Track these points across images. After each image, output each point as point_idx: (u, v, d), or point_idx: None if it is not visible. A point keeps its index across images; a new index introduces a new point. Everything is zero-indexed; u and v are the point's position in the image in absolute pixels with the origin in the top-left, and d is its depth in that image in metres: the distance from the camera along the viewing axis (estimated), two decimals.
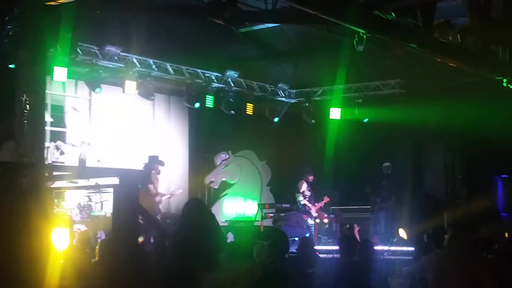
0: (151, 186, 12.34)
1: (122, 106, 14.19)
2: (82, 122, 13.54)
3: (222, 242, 6.92)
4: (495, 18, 9.97)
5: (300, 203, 14.42)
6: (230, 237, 13.34)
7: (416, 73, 14.36)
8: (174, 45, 13.92)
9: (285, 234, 5.66)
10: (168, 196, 13.07)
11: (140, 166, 12.87)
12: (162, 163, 12.84)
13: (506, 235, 9.51)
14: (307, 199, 14.42)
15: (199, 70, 14.45)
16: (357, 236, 10.57)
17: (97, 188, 11.36)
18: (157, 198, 12.43)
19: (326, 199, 14.64)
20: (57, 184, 9.04)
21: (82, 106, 13.56)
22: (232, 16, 8.91)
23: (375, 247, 8.28)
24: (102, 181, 9.51)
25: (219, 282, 2.26)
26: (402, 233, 12.59)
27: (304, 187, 14.50)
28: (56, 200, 11.05)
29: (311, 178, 14.64)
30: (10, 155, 9.01)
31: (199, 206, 6.93)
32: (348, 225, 13.92)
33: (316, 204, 14.49)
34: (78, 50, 12.01)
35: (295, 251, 8.31)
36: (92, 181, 9.87)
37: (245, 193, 16.46)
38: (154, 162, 12.72)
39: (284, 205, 14.73)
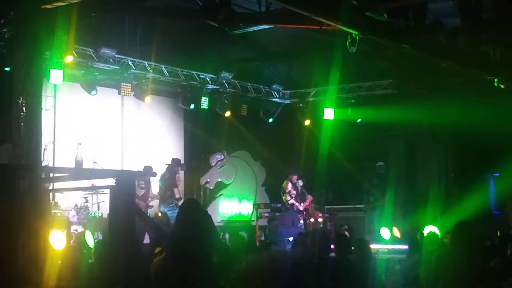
0: (175, 190, 12.34)
1: (115, 107, 14.21)
2: (49, 121, 12.47)
3: (217, 243, 7.01)
4: (486, 18, 10.08)
5: (288, 203, 14.50)
6: (226, 237, 13.44)
7: (408, 74, 14.47)
8: (169, 47, 13.99)
9: (328, 236, 5.76)
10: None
11: (139, 168, 12.89)
12: (183, 167, 12.89)
13: (498, 233, 9.58)
14: (293, 198, 14.52)
15: (194, 72, 14.50)
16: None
17: (94, 189, 11.40)
18: (181, 202, 12.37)
19: (310, 198, 14.77)
20: (54, 185, 9.12)
21: (47, 105, 12.68)
22: (226, 18, 8.97)
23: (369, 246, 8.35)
24: (98, 182, 9.57)
25: (241, 276, 2.29)
26: (396, 231, 12.66)
27: (289, 186, 14.58)
28: (52, 201, 11.09)
29: (295, 178, 14.75)
30: (7, 157, 9.05)
31: (194, 206, 6.99)
32: (346, 226, 13.99)
33: (302, 204, 14.60)
34: (74, 52, 12.03)
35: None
36: (88, 182, 9.87)
37: (240, 193, 16.52)
38: (177, 165, 12.73)
39: (279, 205, 14.82)
